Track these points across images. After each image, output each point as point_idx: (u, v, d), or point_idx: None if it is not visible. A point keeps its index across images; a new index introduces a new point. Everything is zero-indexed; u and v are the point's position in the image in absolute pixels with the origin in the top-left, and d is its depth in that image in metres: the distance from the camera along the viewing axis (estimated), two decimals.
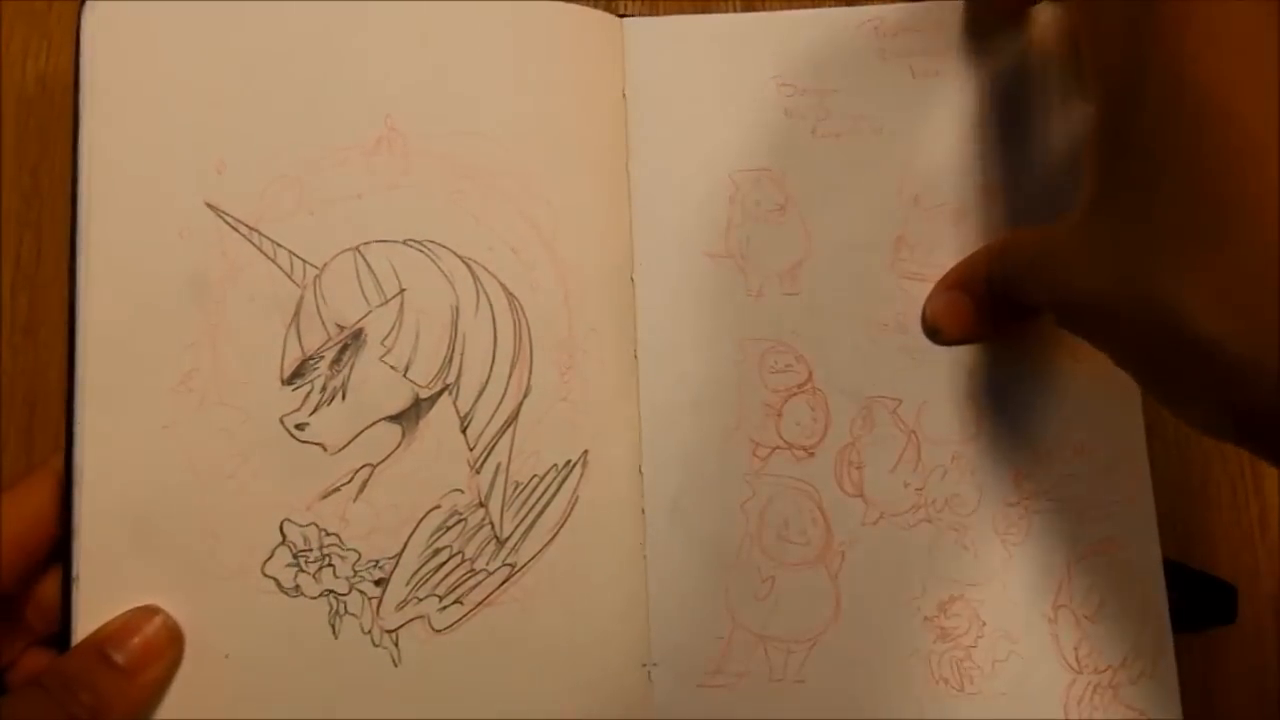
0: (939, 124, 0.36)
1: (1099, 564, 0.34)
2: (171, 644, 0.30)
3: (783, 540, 0.34)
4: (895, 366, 0.35)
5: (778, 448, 0.34)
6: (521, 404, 0.33)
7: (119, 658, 0.29)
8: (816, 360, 0.35)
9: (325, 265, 0.32)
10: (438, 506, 0.32)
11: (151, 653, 0.29)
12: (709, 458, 0.34)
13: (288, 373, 0.32)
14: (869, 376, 0.35)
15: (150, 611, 0.30)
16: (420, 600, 0.32)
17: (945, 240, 0.35)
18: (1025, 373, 0.35)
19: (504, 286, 0.33)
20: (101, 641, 0.29)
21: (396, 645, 0.31)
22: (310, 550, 0.31)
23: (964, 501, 0.34)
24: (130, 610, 0.30)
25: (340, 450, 0.32)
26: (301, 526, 0.31)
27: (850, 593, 0.34)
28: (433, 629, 0.32)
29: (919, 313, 0.35)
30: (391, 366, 0.32)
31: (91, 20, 0.32)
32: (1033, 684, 0.33)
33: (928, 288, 0.35)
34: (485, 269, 0.33)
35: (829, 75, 0.36)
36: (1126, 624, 0.33)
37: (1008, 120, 0.35)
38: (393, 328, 0.32)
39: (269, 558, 0.31)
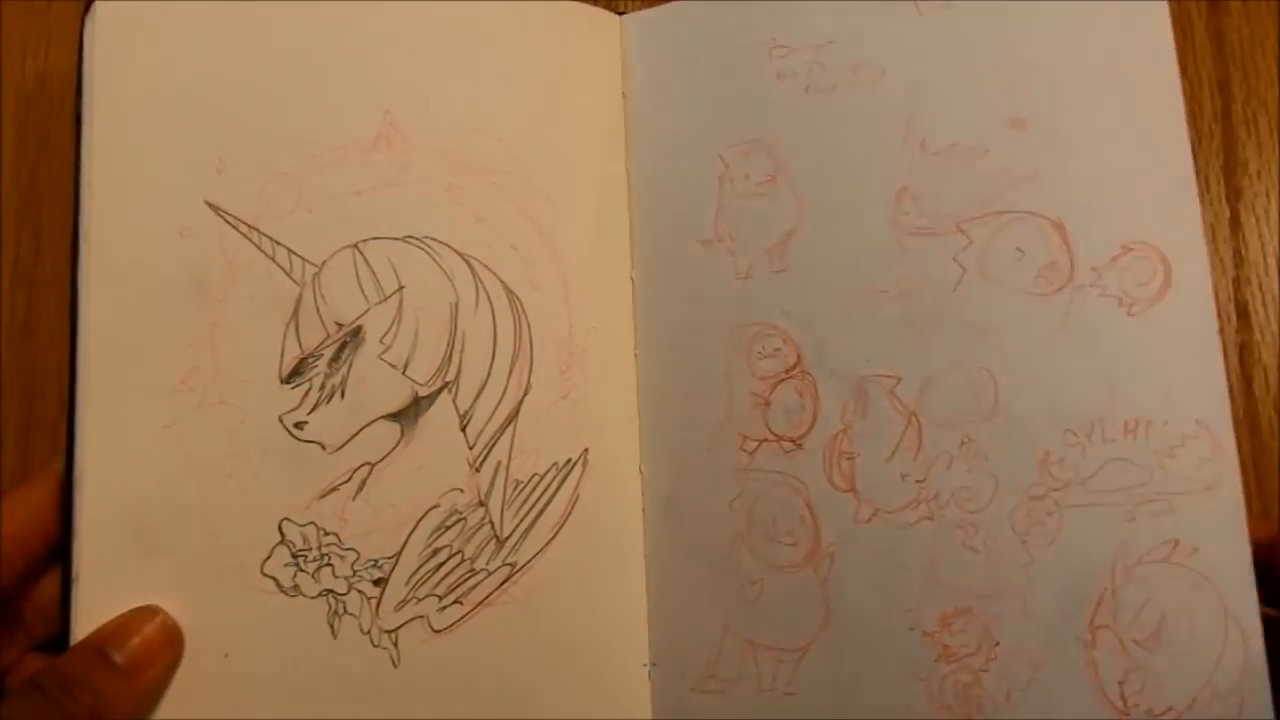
0: (951, 57, 0.32)
1: (1157, 573, 0.28)
2: (171, 644, 0.30)
3: (770, 540, 0.32)
4: (894, 339, 0.31)
5: (765, 440, 0.32)
6: (521, 402, 0.33)
7: (118, 658, 0.29)
8: (805, 340, 0.32)
9: (324, 263, 0.32)
10: (437, 505, 0.32)
11: (151, 653, 0.29)
12: (699, 454, 0.32)
13: (287, 371, 0.31)
14: (863, 353, 0.31)
15: (150, 611, 0.30)
16: (419, 600, 0.31)
17: (958, 186, 0.31)
18: (1062, 331, 0.29)
19: (504, 284, 0.33)
20: (101, 641, 0.29)
21: (396, 645, 0.31)
22: (309, 550, 0.31)
23: (974, 495, 0.30)
24: (130, 610, 0.30)
25: (339, 449, 0.31)
26: (300, 526, 0.31)
27: (839, 600, 0.31)
28: (432, 629, 0.31)
29: (924, 273, 0.31)
30: (390, 364, 0.32)
31: (95, 21, 0.31)
32: None
33: (936, 242, 0.31)
34: (485, 266, 0.33)
35: (823, 28, 0.33)
36: (1198, 654, 0.27)
37: (1034, 46, 0.31)
38: (392, 325, 0.32)
39: (268, 557, 0.31)
